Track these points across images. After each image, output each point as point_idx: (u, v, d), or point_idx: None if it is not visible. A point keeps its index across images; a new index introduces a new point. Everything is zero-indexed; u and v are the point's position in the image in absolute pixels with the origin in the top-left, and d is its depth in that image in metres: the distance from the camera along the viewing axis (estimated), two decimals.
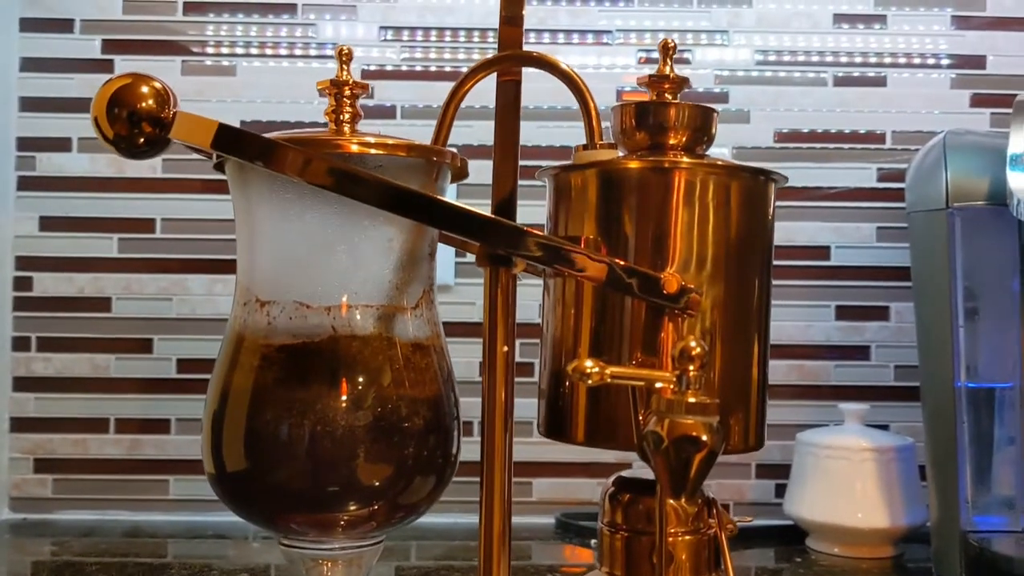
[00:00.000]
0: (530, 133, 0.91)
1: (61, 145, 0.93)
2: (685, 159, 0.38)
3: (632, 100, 0.40)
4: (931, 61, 0.95)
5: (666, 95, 0.40)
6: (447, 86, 0.90)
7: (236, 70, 0.93)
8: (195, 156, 0.90)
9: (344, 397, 0.38)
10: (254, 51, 0.94)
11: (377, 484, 0.39)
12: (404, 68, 0.94)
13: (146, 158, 0.40)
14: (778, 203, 0.84)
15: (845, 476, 0.80)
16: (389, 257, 0.39)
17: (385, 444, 0.38)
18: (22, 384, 0.92)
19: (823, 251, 0.94)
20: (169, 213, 0.93)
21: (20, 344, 0.92)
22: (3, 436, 0.91)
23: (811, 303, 0.94)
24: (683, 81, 0.41)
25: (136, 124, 0.38)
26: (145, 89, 0.38)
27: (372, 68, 0.94)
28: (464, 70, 0.93)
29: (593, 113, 0.38)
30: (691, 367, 0.32)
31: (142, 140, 0.39)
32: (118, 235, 0.93)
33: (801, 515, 0.82)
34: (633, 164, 0.38)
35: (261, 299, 0.39)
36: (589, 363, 0.32)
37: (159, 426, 0.92)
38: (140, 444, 0.92)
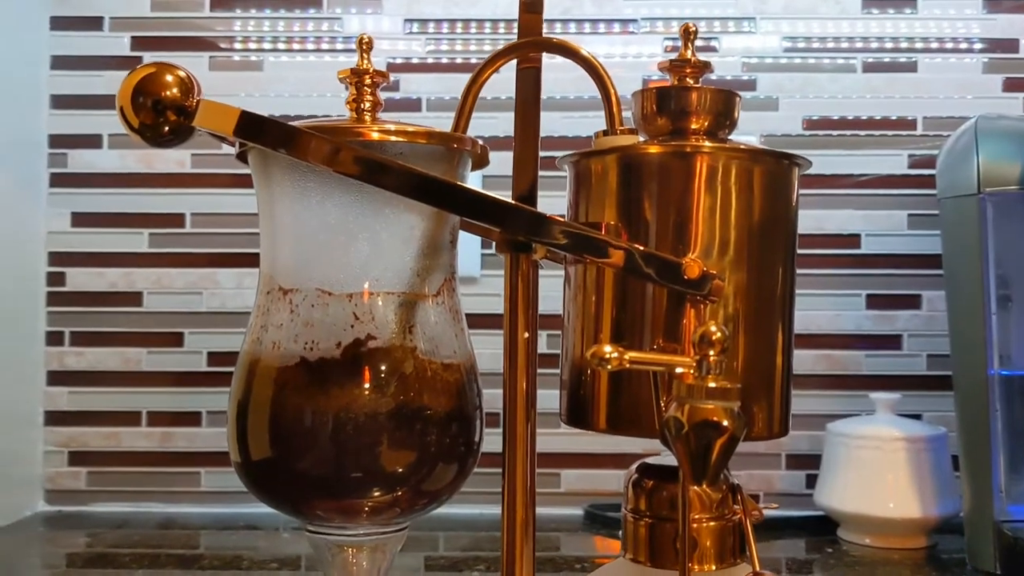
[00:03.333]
0: (553, 124, 0.90)
1: (92, 142, 0.94)
2: (707, 143, 0.38)
3: (653, 85, 0.40)
4: (963, 45, 0.94)
5: (687, 79, 0.40)
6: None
7: (263, 65, 0.94)
8: (224, 150, 0.92)
9: (367, 384, 0.38)
10: (281, 46, 0.94)
11: (400, 470, 0.39)
12: (430, 61, 0.94)
13: (171, 147, 0.41)
14: (807, 191, 0.84)
15: (877, 466, 0.80)
16: (410, 244, 0.40)
17: (407, 431, 0.38)
18: (56, 378, 0.93)
19: (853, 239, 0.93)
20: (199, 208, 0.94)
21: (53, 339, 0.93)
22: (37, 429, 0.93)
23: (841, 292, 0.93)
24: (705, 65, 0.40)
25: (161, 113, 0.38)
26: (169, 78, 0.38)
27: (398, 61, 0.94)
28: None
29: (613, 99, 0.38)
30: (711, 352, 0.32)
31: (167, 129, 0.39)
32: (148, 230, 0.94)
33: (832, 505, 0.82)
34: (654, 149, 0.37)
35: (284, 287, 0.40)
36: (608, 348, 0.31)
37: (190, 419, 0.93)
38: (172, 437, 0.93)
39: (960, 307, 0.74)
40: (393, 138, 0.38)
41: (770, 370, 0.38)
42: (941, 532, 0.82)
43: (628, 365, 0.32)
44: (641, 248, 0.36)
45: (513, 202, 0.36)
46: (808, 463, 0.91)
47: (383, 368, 0.38)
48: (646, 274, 0.36)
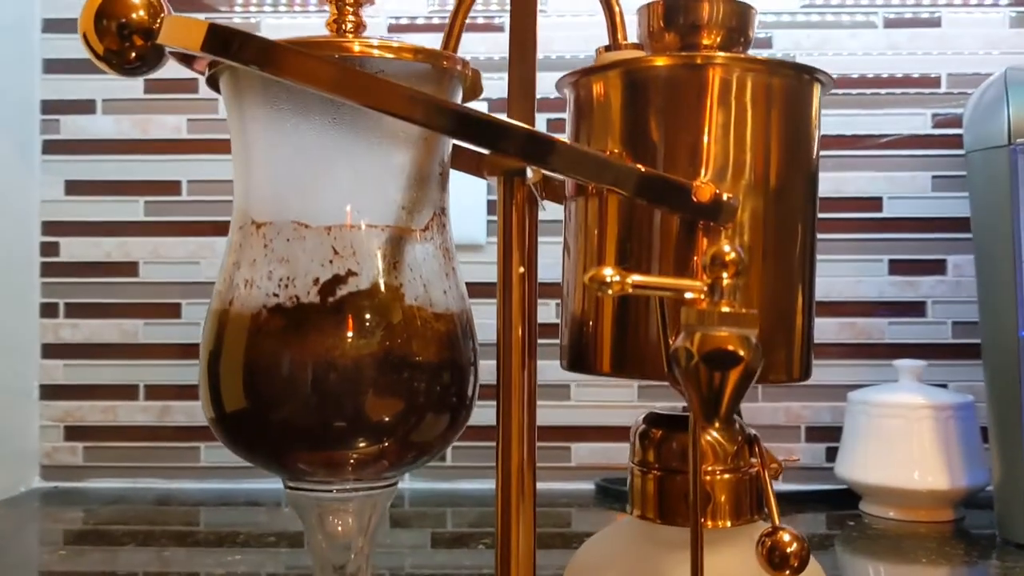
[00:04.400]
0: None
1: (85, 107, 0.91)
2: (720, 54, 0.35)
3: None
4: (988, 0, 0.89)
5: None
6: (477, 37, 0.88)
7: (261, 27, 0.91)
8: (220, 113, 0.88)
9: (348, 325, 0.35)
10: (282, 8, 0.91)
11: (387, 419, 0.35)
12: (435, 21, 0.91)
13: (140, 75, 0.38)
14: (826, 152, 0.79)
15: (901, 435, 0.76)
16: (394, 174, 0.36)
17: (394, 376, 0.35)
18: (51, 351, 0.91)
19: (875, 202, 0.89)
20: (196, 175, 0.91)
21: (48, 310, 0.91)
22: (33, 404, 0.90)
23: (862, 257, 0.89)
24: None
25: (127, 38, 0.36)
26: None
27: (402, 21, 0.91)
28: (496, 21, 0.91)
29: (616, 7, 0.35)
30: (725, 274, 0.28)
31: (133, 55, 0.37)
32: (144, 198, 0.91)
33: (854, 478, 0.78)
34: (661, 61, 0.34)
35: (257, 221, 0.36)
36: (608, 271, 0.28)
37: (189, 392, 0.90)
38: (170, 411, 0.90)
39: (989, 266, 0.70)
40: (376, 52, 0.35)
41: (790, 306, 0.35)
42: (969, 507, 0.78)
43: (631, 290, 0.28)
44: (643, 168, 0.33)
45: (507, 119, 0.33)
46: (829, 435, 0.87)
47: (366, 307, 0.35)
48: (652, 198, 0.33)
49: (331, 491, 0.37)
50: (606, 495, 0.86)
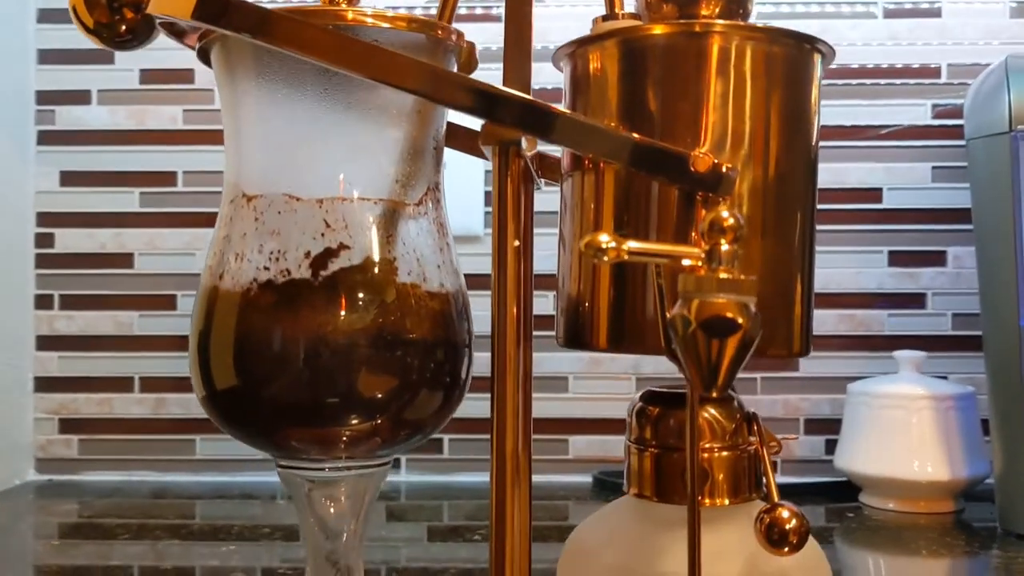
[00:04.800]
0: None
1: (80, 98, 0.90)
2: (719, 22, 0.34)
3: None
4: None
5: None
6: (474, 27, 0.88)
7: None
8: (216, 104, 0.88)
9: (341, 299, 0.34)
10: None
11: (380, 395, 0.35)
12: (433, 11, 0.90)
13: (131, 48, 0.38)
14: (825, 143, 0.79)
15: (901, 426, 0.75)
16: (387, 146, 0.36)
17: (387, 352, 0.35)
18: (45, 343, 0.90)
19: (875, 193, 0.89)
20: (191, 166, 0.90)
21: (43, 302, 0.90)
22: (27, 396, 0.90)
23: (862, 248, 0.88)
24: None
25: (117, 10, 0.36)
26: None
27: (400, 10, 0.90)
28: (493, 12, 0.90)
29: None
30: (723, 240, 0.28)
31: (124, 28, 0.36)
32: (139, 189, 0.90)
33: (854, 469, 0.78)
34: (659, 29, 0.33)
35: (248, 194, 0.36)
36: (604, 237, 0.27)
37: (185, 385, 0.88)
38: (165, 403, 0.90)
39: (990, 255, 0.70)
40: (370, 21, 0.34)
41: (790, 279, 0.34)
42: (969, 497, 0.77)
43: (627, 256, 0.28)
44: (638, 137, 0.32)
45: (499, 88, 0.32)
46: (828, 428, 0.87)
47: (359, 281, 0.35)
48: (649, 169, 0.32)
49: (323, 469, 0.37)
50: (604, 487, 0.85)
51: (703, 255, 0.28)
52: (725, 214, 0.28)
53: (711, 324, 0.27)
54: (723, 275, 0.27)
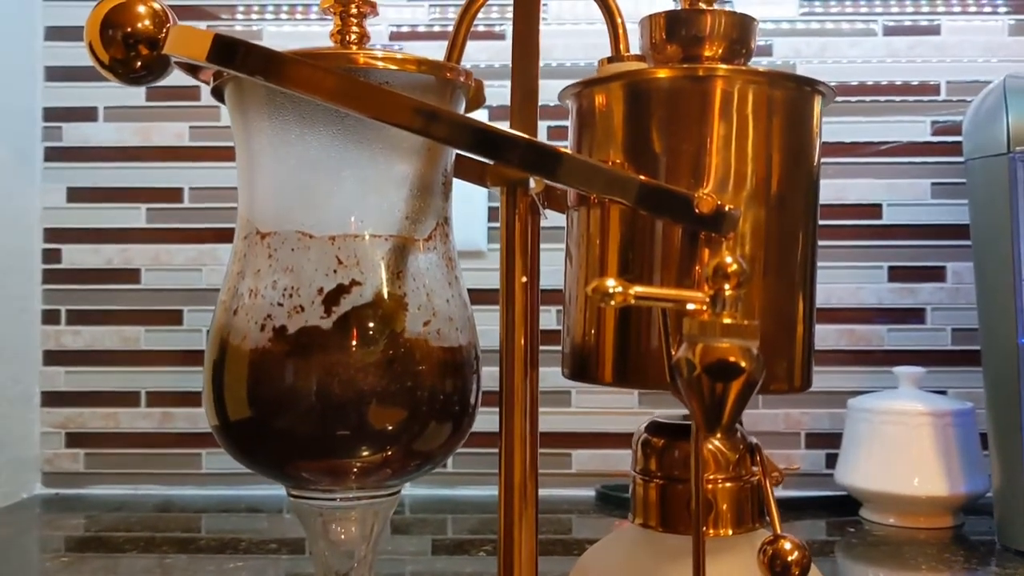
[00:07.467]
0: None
1: (87, 115, 0.91)
2: (722, 66, 0.35)
3: (662, 10, 0.37)
4: (987, 8, 0.90)
5: (700, 2, 0.37)
6: (478, 46, 0.88)
7: (263, 35, 0.91)
8: (222, 121, 0.89)
9: (352, 335, 0.35)
10: (284, 16, 0.92)
11: (390, 428, 0.36)
12: (436, 29, 0.91)
13: (145, 83, 0.38)
14: (826, 160, 0.80)
15: (901, 442, 0.76)
16: (398, 184, 0.37)
17: (397, 385, 0.36)
18: (52, 358, 0.91)
19: (874, 209, 0.89)
20: (197, 182, 0.91)
21: (50, 317, 0.91)
22: (34, 410, 0.90)
23: (862, 264, 0.89)
24: None
25: (132, 47, 0.36)
26: (141, 8, 0.36)
27: (403, 30, 0.91)
28: (496, 30, 0.91)
29: (618, 19, 0.35)
30: (727, 286, 0.29)
31: (139, 64, 0.37)
32: (146, 205, 0.91)
33: (854, 484, 0.78)
34: (663, 73, 0.34)
35: (261, 231, 0.37)
36: (611, 282, 0.28)
37: (190, 399, 0.90)
38: (171, 417, 0.91)
39: (988, 273, 0.71)
40: (380, 64, 0.35)
41: (791, 316, 0.35)
42: (969, 513, 0.78)
43: (633, 301, 0.29)
44: (643, 178, 0.33)
45: (507, 130, 0.33)
46: (828, 442, 0.87)
47: (370, 316, 0.35)
48: (654, 209, 0.33)
49: (334, 499, 0.38)
50: (607, 502, 0.86)
51: (707, 300, 0.29)
52: (729, 260, 0.29)
53: (715, 368, 0.28)
54: (727, 320, 0.28)
